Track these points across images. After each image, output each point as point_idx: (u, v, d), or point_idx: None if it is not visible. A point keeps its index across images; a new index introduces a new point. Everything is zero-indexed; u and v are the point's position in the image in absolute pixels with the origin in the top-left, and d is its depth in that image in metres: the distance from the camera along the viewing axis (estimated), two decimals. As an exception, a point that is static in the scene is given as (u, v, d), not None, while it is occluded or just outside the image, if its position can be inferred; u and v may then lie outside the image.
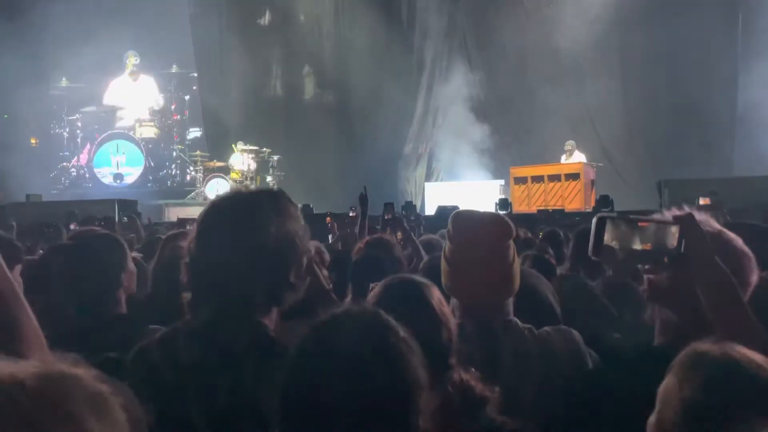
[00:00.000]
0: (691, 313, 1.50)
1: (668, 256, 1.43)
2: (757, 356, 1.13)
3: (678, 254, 1.42)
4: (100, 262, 2.16)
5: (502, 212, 8.52)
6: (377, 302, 1.56)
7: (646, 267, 1.57)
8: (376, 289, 1.64)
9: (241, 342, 1.41)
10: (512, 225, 1.94)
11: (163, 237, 2.64)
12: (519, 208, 11.28)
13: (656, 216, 1.51)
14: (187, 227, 4.54)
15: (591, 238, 1.47)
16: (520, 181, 11.96)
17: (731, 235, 1.62)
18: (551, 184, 11.41)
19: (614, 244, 1.45)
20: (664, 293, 1.59)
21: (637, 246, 1.45)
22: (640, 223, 1.46)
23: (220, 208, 1.56)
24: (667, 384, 1.16)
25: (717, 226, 1.64)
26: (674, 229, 1.43)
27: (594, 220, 1.48)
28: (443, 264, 1.93)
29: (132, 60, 15.79)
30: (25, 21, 13.45)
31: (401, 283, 1.63)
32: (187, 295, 1.49)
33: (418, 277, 1.66)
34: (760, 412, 1.06)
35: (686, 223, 1.42)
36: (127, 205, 10.37)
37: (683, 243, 1.41)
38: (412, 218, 7.09)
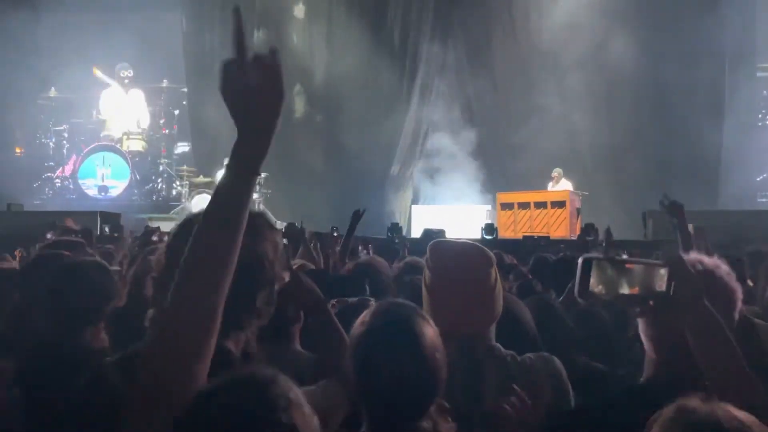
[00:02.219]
0: (677, 354, 1.47)
1: (655, 299, 1.38)
2: (743, 416, 1.08)
3: (666, 297, 1.37)
4: (87, 296, 2.10)
5: (488, 237, 8.52)
6: (365, 331, 1.50)
7: (636, 311, 1.52)
8: (365, 314, 1.55)
9: None
10: (491, 255, 1.93)
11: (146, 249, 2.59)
12: (505, 233, 11.28)
13: (644, 258, 1.47)
14: (154, 237, 4.47)
15: (577, 280, 1.43)
16: (507, 206, 11.99)
17: (723, 270, 1.60)
18: (537, 211, 11.44)
19: (600, 288, 1.39)
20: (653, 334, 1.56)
21: (624, 290, 1.39)
22: (627, 266, 1.41)
23: (191, 224, 1.44)
24: None
25: (709, 261, 1.62)
26: (663, 272, 1.38)
27: (579, 262, 1.43)
28: (424, 292, 1.91)
29: (124, 72, 15.75)
30: (15, 30, 13.39)
31: (394, 321, 1.51)
32: (150, 311, 1.41)
33: (416, 311, 1.55)
34: None
35: (676, 265, 1.38)
36: (110, 218, 10.24)
37: (672, 286, 1.36)
38: (397, 240, 7.07)
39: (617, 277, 1.39)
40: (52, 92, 15.65)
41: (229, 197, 1.21)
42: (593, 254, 1.45)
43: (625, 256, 1.49)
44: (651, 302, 1.39)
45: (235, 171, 1.22)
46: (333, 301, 2.30)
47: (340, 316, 2.01)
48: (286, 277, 1.55)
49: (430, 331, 1.49)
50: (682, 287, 1.36)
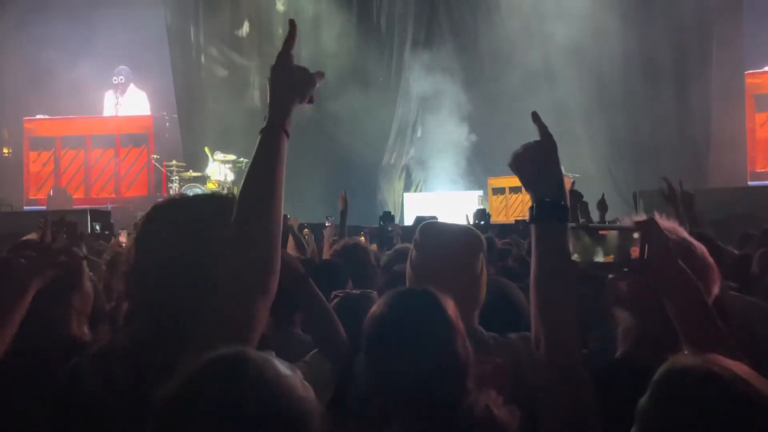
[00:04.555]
0: (653, 321, 1.48)
1: (630, 263, 1.38)
2: (738, 367, 1.08)
3: (640, 260, 1.36)
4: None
5: (480, 222, 8.52)
6: (383, 312, 1.47)
7: (610, 276, 1.53)
8: (384, 297, 1.53)
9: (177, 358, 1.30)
10: (482, 240, 1.92)
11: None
12: (497, 218, 11.32)
13: (617, 224, 1.48)
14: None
15: None
16: (499, 191, 12.03)
17: (695, 243, 1.60)
18: (529, 195, 11.46)
19: (575, 256, 1.40)
20: (627, 300, 1.57)
21: (600, 258, 1.40)
22: (601, 232, 1.41)
23: (159, 214, 1.45)
24: (647, 399, 1.11)
25: (682, 233, 1.62)
26: (636, 235, 1.38)
27: None
28: (408, 271, 1.90)
29: (116, 79, 15.77)
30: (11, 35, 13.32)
31: (416, 295, 1.51)
32: (124, 306, 1.39)
33: (434, 289, 1.53)
34: (741, 427, 1.02)
35: (648, 228, 1.38)
36: (100, 216, 10.19)
37: (646, 249, 1.36)
38: (390, 229, 7.06)
39: (592, 245, 1.40)
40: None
41: (265, 154, 1.40)
42: (569, 223, 1.44)
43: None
44: (626, 268, 1.40)
45: (266, 130, 1.44)
46: (336, 292, 2.29)
47: (341, 306, 2.01)
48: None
49: (451, 304, 1.48)
50: (655, 248, 1.36)
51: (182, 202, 1.50)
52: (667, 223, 1.56)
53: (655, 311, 1.42)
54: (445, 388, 1.38)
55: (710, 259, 1.58)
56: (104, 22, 14.99)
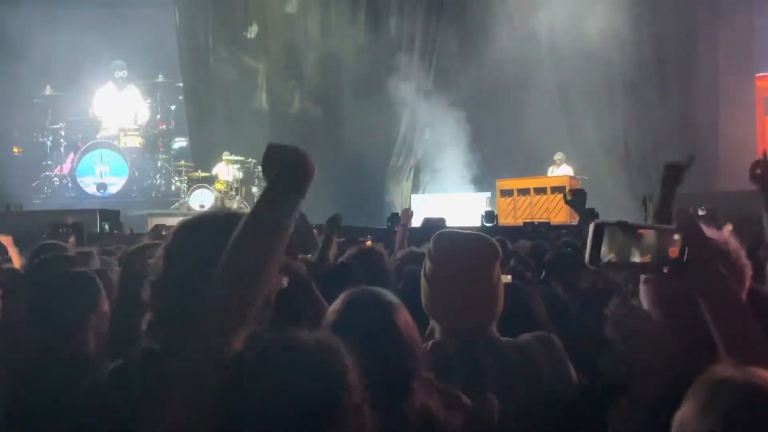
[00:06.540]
0: (680, 329, 1.46)
1: (669, 265, 1.32)
2: None
3: (680, 263, 1.30)
4: (69, 303, 2.13)
5: (488, 224, 8.51)
6: (337, 318, 1.52)
7: (646, 278, 1.49)
8: (336, 302, 1.57)
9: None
10: (498, 247, 1.88)
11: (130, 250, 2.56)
12: (505, 220, 11.28)
13: (657, 223, 1.43)
14: (163, 233, 4.48)
15: (588, 246, 1.35)
16: (506, 193, 11.99)
17: (731, 242, 1.57)
18: (537, 197, 11.44)
19: (611, 256, 1.33)
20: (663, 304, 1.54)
21: (636, 258, 1.34)
22: (640, 231, 1.34)
23: (189, 229, 1.51)
24: (686, 411, 1.08)
25: (720, 235, 1.60)
26: (676, 237, 1.31)
27: (591, 227, 1.35)
28: (423, 283, 1.87)
29: (119, 72, 15.77)
30: (9, 29, 13.36)
31: (364, 299, 1.55)
32: (147, 315, 1.43)
33: (385, 293, 1.58)
34: None
35: (690, 230, 1.32)
36: (109, 215, 10.22)
37: (686, 251, 1.30)
38: (396, 230, 7.04)
39: (629, 244, 1.34)
40: (48, 90, 15.61)
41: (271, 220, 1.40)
42: (605, 219, 1.37)
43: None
44: (665, 269, 1.33)
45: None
46: None
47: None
48: (284, 282, 1.55)
49: (402, 310, 1.53)
50: (696, 251, 1.30)
51: (210, 218, 1.55)
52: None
53: (680, 321, 1.40)
54: (389, 390, 1.40)
55: (745, 260, 1.54)
56: (112, 23, 15.07)
